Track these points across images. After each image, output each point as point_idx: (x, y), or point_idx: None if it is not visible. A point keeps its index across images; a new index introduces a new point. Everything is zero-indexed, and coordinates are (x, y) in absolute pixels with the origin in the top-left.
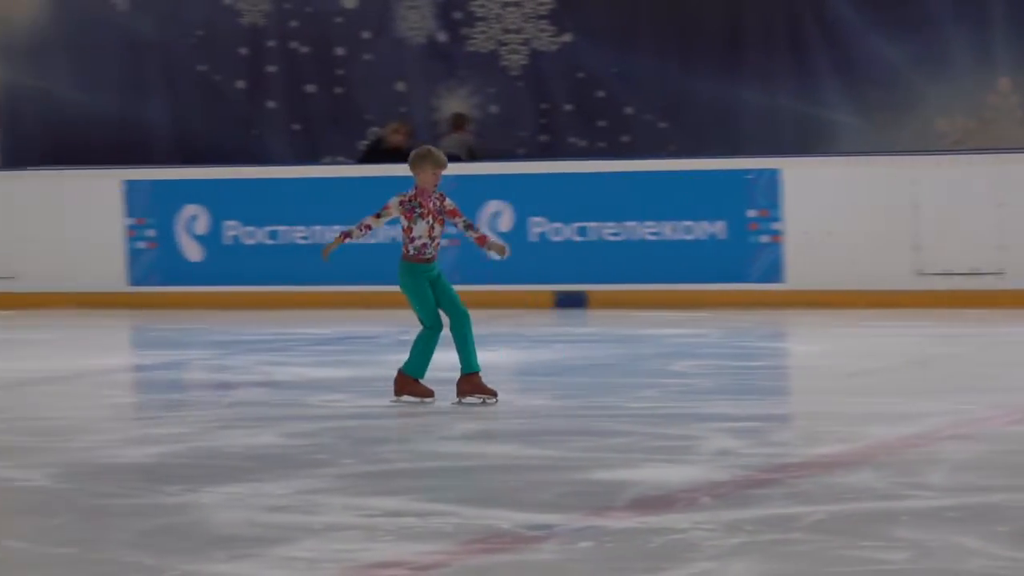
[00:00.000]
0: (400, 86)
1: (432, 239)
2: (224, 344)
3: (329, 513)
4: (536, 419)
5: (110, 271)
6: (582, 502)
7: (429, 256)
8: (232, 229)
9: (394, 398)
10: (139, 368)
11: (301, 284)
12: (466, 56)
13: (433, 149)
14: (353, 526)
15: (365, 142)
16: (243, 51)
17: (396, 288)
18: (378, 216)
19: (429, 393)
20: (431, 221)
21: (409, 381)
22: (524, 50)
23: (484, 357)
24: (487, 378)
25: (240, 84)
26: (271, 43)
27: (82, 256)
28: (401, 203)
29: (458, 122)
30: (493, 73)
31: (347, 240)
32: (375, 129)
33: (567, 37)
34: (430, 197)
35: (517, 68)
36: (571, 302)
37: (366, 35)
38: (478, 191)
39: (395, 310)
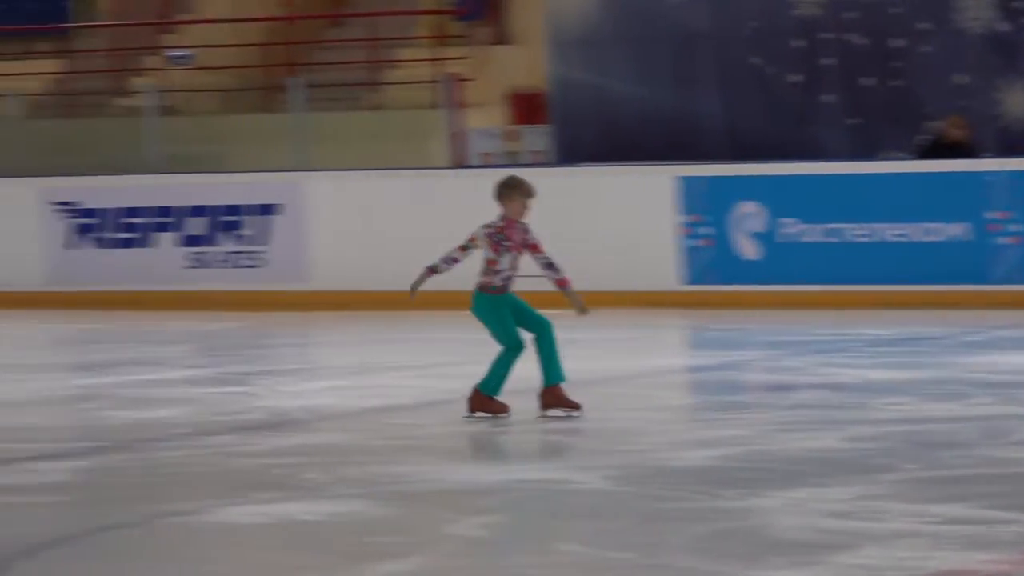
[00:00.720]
0: (959, 79)
1: (515, 271)
2: (782, 344)
3: (892, 520)
4: None
5: (662, 270)
6: None
7: (509, 286)
8: (789, 227)
9: (467, 414)
10: (695, 369)
11: (860, 283)
12: None
13: (521, 178)
14: (916, 533)
15: (923, 137)
16: (797, 43)
17: (960, 287)
18: (464, 248)
19: (504, 409)
20: (516, 255)
21: (484, 399)
22: None
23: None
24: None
25: (794, 78)
26: (826, 35)
27: (633, 254)
28: (488, 235)
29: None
30: None
31: (432, 275)
32: (933, 123)
33: None
34: (516, 229)
35: None
36: None
37: (924, 26)
38: None
39: (958, 311)
